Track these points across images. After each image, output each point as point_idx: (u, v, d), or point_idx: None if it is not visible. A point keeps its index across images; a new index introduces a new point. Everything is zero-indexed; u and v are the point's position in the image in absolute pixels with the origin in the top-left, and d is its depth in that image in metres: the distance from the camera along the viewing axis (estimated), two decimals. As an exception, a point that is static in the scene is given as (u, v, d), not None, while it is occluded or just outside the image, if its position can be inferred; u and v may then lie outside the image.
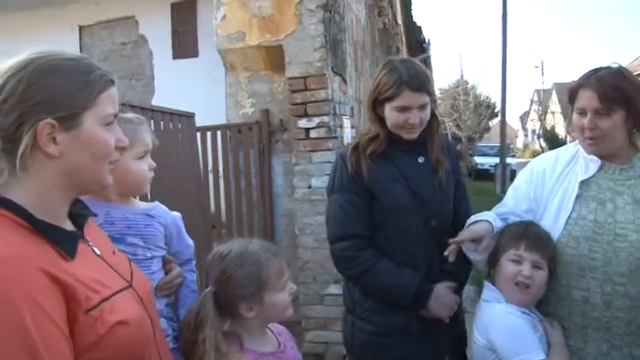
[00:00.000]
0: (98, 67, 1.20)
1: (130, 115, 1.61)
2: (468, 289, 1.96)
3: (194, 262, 1.78)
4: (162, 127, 2.89)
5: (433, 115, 2.10)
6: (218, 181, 4.67)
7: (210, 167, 4.64)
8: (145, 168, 1.58)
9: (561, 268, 1.83)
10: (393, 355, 2.06)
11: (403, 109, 1.98)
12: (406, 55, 12.59)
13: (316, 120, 4.20)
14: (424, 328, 2.04)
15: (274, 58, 4.35)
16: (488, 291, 1.90)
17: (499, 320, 1.81)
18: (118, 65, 6.83)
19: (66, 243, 1.13)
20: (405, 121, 2.00)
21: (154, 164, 1.62)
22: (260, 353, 1.59)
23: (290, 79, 4.23)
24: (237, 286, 1.55)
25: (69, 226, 1.23)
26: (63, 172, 1.14)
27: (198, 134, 4.49)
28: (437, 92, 31.29)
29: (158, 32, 6.55)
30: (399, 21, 10.44)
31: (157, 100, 6.47)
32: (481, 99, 36.13)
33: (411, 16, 11.33)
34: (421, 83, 1.97)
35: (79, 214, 1.28)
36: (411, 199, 2.03)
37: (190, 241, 1.76)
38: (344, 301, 2.24)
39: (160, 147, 2.79)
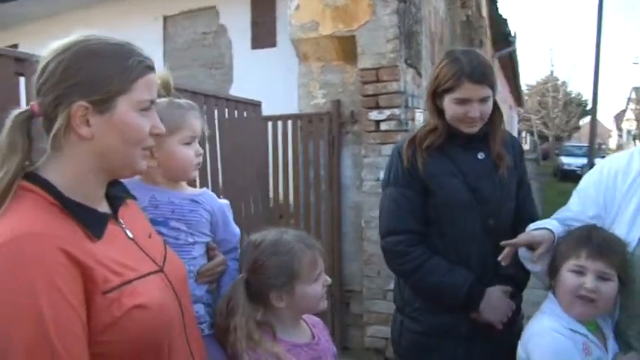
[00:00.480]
0: (139, 53, 1.21)
1: (181, 100, 1.62)
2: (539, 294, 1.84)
3: (239, 251, 1.77)
4: (227, 115, 2.91)
5: (496, 108, 2.00)
6: (287, 171, 4.69)
7: (280, 157, 4.67)
8: (190, 153, 1.58)
9: (636, 285, 1.63)
10: (440, 357, 1.99)
11: (463, 102, 1.90)
12: (491, 50, 12.19)
13: (387, 112, 4.13)
14: (474, 330, 1.95)
15: (347, 48, 4.31)
16: (548, 302, 1.73)
17: (541, 337, 1.65)
18: (199, 54, 7.00)
19: (93, 224, 1.14)
20: (464, 115, 1.91)
21: (201, 150, 1.62)
22: (293, 344, 1.58)
23: (362, 70, 4.18)
24: (268, 275, 1.55)
25: (104, 207, 1.25)
26: (95, 155, 1.16)
27: (270, 124, 4.54)
28: (524, 88, 30.18)
29: (238, 22, 6.64)
30: (484, 13, 10.10)
31: (235, 90, 6.58)
32: (571, 96, 34.55)
33: (497, 9, 10.92)
34: (483, 75, 1.88)
35: (116, 196, 1.31)
36: (469, 195, 1.95)
37: (237, 230, 1.75)
38: (394, 298, 2.18)
39: (224, 135, 2.85)
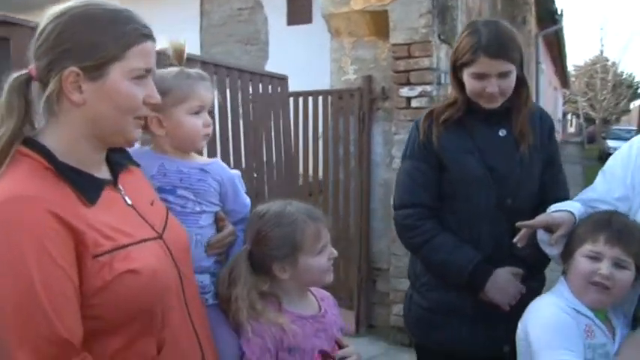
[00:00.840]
0: (137, 20, 1.19)
1: (192, 70, 1.60)
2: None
3: None
4: (250, 90, 2.90)
5: (522, 84, 1.93)
6: (317, 147, 4.67)
7: (310, 133, 4.65)
8: (198, 123, 1.57)
9: None
10: (444, 334, 1.95)
11: (480, 77, 1.84)
12: (535, 28, 11.85)
13: (418, 89, 4.06)
14: (481, 311, 1.90)
15: (379, 23, 4.23)
16: (558, 285, 1.66)
17: (541, 311, 1.60)
18: (235, 30, 7.02)
19: (87, 189, 1.15)
20: (482, 90, 1.85)
21: (210, 121, 1.60)
22: (298, 315, 1.56)
23: (394, 45, 4.11)
24: (271, 247, 1.54)
25: (103, 173, 1.25)
26: (87, 121, 1.17)
27: (300, 99, 4.52)
28: (570, 69, 29.31)
29: (274, -2, 6.63)
30: (529, -11, 9.80)
31: (271, 66, 6.58)
32: (622, 78, 33.37)
33: (543, -16, 10.60)
34: (500, 49, 1.80)
35: (118, 162, 1.31)
36: (485, 173, 1.89)
37: (247, 201, 1.73)
38: (407, 273, 2.16)
39: (248, 109, 2.85)
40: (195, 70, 1.61)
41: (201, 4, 7.19)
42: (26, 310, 1.00)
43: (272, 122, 3.16)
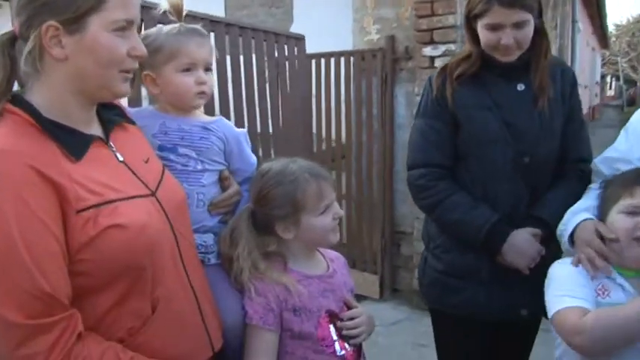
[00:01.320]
0: None
1: (187, 26, 1.54)
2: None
3: None
4: (265, 49, 2.82)
5: (540, 34, 1.82)
6: (340, 110, 4.59)
7: (333, 96, 4.57)
8: (188, 81, 1.51)
9: None
10: (458, 298, 1.89)
11: (494, 28, 1.74)
12: (572, -16, 11.39)
13: (442, 48, 3.92)
14: (497, 274, 1.83)
15: (401, -21, 4.09)
16: None
17: (561, 263, 1.53)
18: (259, -7, 6.90)
19: (73, 144, 1.13)
20: (497, 42, 1.75)
21: (204, 79, 1.53)
22: (305, 275, 1.53)
23: (416, 2, 3.96)
24: (273, 206, 1.51)
25: (93, 129, 1.23)
26: (71, 76, 1.14)
27: (323, 61, 4.42)
28: (611, 28, 28.26)
29: (296, -42, 6.46)
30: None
31: (295, 28, 6.46)
32: (666, 36, 32.06)
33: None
34: None
35: (110, 119, 1.29)
36: (502, 129, 1.80)
37: (253, 159, 1.69)
38: (422, 234, 2.10)
39: (262, 70, 2.78)
40: (189, 26, 1.54)
41: (225, -32, 7.07)
42: (6, 264, 0.99)
43: (288, 84, 3.09)
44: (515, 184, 1.82)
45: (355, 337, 1.55)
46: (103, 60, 1.14)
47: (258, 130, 2.82)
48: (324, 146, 4.64)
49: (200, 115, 1.63)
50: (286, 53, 3.09)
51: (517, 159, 1.81)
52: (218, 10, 6.93)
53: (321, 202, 1.52)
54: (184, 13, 1.56)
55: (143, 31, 1.64)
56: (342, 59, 4.45)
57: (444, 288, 1.93)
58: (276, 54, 2.95)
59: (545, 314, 1.50)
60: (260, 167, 1.60)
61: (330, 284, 1.58)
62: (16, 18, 1.13)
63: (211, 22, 2.43)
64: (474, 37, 1.84)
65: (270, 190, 1.52)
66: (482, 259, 1.84)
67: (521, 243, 1.78)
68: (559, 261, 1.59)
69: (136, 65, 1.23)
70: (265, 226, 1.55)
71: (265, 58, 2.83)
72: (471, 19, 1.83)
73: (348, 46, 4.64)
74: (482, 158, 1.84)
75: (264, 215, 1.54)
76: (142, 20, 1.98)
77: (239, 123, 2.63)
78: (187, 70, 1.51)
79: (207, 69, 1.56)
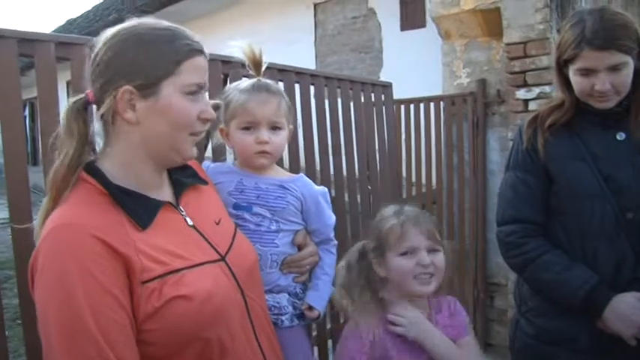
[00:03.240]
0: (187, 36, 1.18)
1: (258, 82, 1.53)
2: None
3: (334, 243, 1.67)
4: (351, 97, 2.81)
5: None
6: (430, 155, 4.49)
7: (423, 141, 4.48)
8: (247, 140, 1.50)
9: None
10: None
11: (587, 73, 1.62)
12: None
13: (536, 90, 3.75)
14: (598, 343, 1.65)
15: (492, 22, 3.98)
16: None
17: None
18: (349, 39, 7.01)
19: (141, 212, 1.14)
20: (591, 88, 1.63)
21: (264, 138, 1.49)
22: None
23: (508, 45, 3.83)
24: (370, 238, 1.65)
25: (163, 193, 1.24)
26: (143, 140, 1.16)
27: (412, 106, 4.36)
28: None
29: (387, 4, 6.53)
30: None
31: (385, 73, 6.50)
32: None
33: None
34: (608, 38, 1.56)
35: (181, 182, 1.30)
36: (599, 183, 1.65)
37: (331, 220, 1.64)
38: (513, 295, 1.95)
39: (349, 118, 2.76)
40: (259, 83, 1.53)
41: (315, 15, 7.26)
42: (73, 335, 0.99)
43: (376, 130, 3.05)
44: (617, 243, 1.65)
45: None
46: (175, 123, 1.16)
47: (345, 174, 2.79)
48: (414, 191, 4.54)
49: (280, 173, 1.61)
50: (373, 100, 3.06)
51: (619, 215, 1.64)
52: (309, 57, 7.10)
53: (402, 242, 1.54)
54: (264, 67, 1.56)
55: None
56: (432, 104, 4.36)
57: (535, 355, 1.78)
58: (362, 100, 2.93)
59: None
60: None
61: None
62: (91, 84, 1.17)
63: (297, 74, 2.44)
64: (567, 84, 1.73)
65: (371, 223, 1.68)
66: (580, 325, 1.68)
67: (627, 309, 1.59)
68: None
69: (205, 128, 1.24)
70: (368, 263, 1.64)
71: (352, 105, 2.81)
72: (561, 65, 1.72)
73: (437, 89, 4.56)
74: (579, 214, 1.69)
75: (364, 247, 1.66)
76: (225, 75, 2.04)
77: (324, 171, 2.61)
78: (247, 128, 1.50)
79: (275, 127, 1.52)
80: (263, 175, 1.56)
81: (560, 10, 3.79)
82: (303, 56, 6.72)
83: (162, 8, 8.23)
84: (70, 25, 13.41)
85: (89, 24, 11.41)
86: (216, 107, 1.54)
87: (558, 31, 3.67)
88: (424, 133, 4.37)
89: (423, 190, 4.54)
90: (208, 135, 1.59)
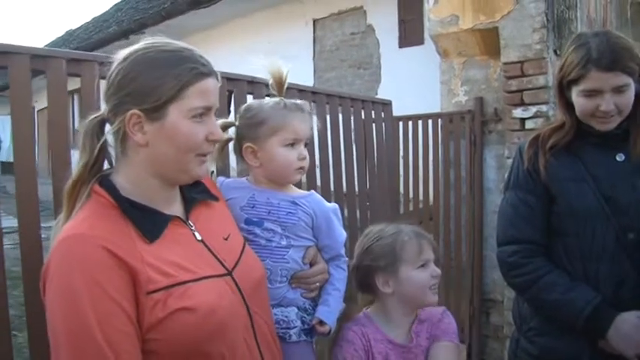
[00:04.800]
0: (195, 59, 1.20)
1: (290, 101, 1.56)
2: None
3: (345, 259, 1.68)
4: (352, 115, 2.85)
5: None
6: (428, 172, 4.52)
7: (420, 158, 4.52)
8: (291, 156, 1.52)
9: None
10: None
11: (592, 94, 1.65)
12: (676, 37, 10.82)
13: (533, 109, 3.82)
14: None
15: (489, 41, 4.05)
16: None
17: None
18: (348, 55, 7.06)
19: (149, 226, 1.17)
20: (595, 109, 1.65)
21: (305, 154, 1.54)
22: (388, 339, 1.61)
23: (505, 64, 3.90)
24: (374, 257, 1.64)
25: (173, 209, 1.27)
26: (151, 161, 1.20)
27: (410, 123, 4.40)
28: None
29: (385, 21, 6.59)
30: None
31: (383, 89, 6.54)
32: None
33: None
34: (614, 59, 1.60)
35: (191, 197, 1.33)
36: (599, 204, 1.67)
37: (342, 237, 1.64)
38: (512, 314, 1.96)
39: (349, 136, 2.80)
40: (293, 101, 1.56)
41: (314, 31, 7.31)
42: (80, 344, 1.02)
43: (375, 146, 3.09)
44: (618, 263, 1.67)
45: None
46: (181, 146, 1.19)
47: (344, 190, 2.83)
48: (411, 207, 4.57)
49: (292, 190, 1.62)
50: (373, 116, 3.11)
51: (620, 236, 1.66)
52: (307, 73, 7.15)
53: (420, 255, 1.61)
54: (285, 86, 1.59)
55: (246, 104, 1.72)
56: (430, 121, 4.41)
57: None
58: (362, 117, 2.98)
59: None
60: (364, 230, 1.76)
61: (412, 355, 1.61)
62: (105, 104, 1.21)
63: (299, 92, 2.48)
64: (567, 105, 1.76)
65: (372, 244, 1.67)
66: (582, 344, 1.69)
67: (630, 328, 1.60)
68: None
69: (212, 149, 1.27)
70: (366, 281, 1.68)
71: (352, 121, 2.86)
72: (563, 86, 1.75)
73: (434, 106, 4.60)
74: (580, 235, 1.71)
75: (365, 268, 1.66)
76: (230, 92, 2.07)
77: (325, 187, 2.65)
78: (291, 145, 1.52)
79: (306, 144, 1.57)
80: (275, 190, 1.57)
81: (557, 31, 3.85)
82: (301, 71, 6.77)
83: (162, 21, 8.26)
84: (70, 37, 13.49)
85: (89, 35, 11.47)
86: (227, 126, 1.58)
87: (555, 51, 3.75)
88: (422, 149, 4.40)
89: (420, 206, 4.57)
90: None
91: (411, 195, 4.49)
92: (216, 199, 1.43)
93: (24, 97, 1.47)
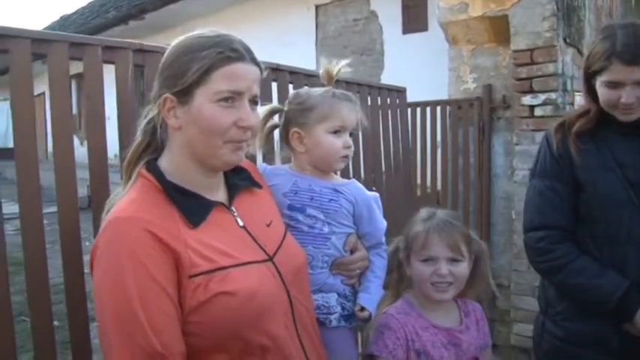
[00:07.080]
0: (225, 44, 1.20)
1: (340, 91, 1.59)
2: None
3: (385, 247, 1.72)
4: (369, 102, 2.88)
5: None
6: (436, 158, 4.56)
7: (428, 144, 4.55)
8: (337, 143, 1.55)
9: None
10: None
11: (614, 85, 1.68)
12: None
13: (542, 97, 3.84)
14: (629, 344, 1.71)
15: (499, 29, 4.06)
16: None
17: None
18: (350, 41, 7.08)
19: (193, 210, 1.20)
20: (616, 100, 1.69)
21: (350, 143, 1.57)
22: (432, 323, 1.64)
23: (515, 51, 3.92)
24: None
25: (218, 194, 1.30)
26: (186, 145, 1.23)
27: (418, 110, 4.44)
28: None
29: (388, 8, 6.60)
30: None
31: (386, 75, 6.56)
32: None
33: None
34: (637, 55, 1.63)
35: (235, 184, 1.36)
36: (627, 192, 1.72)
37: (383, 225, 1.68)
38: (538, 297, 2.01)
39: (368, 122, 2.83)
40: (341, 91, 1.60)
41: (317, 17, 7.31)
42: (124, 320, 1.06)
43: (391, 134, 3.13)
44: None
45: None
46: (205, 130, 1.20)
47: (362, 175, 2.87)
48: (419, 192, 4.61)
49: (333, 177, 1.65)
50: (388, 103, 3.15)
51: None
52: (309, 59, 7.15)
53: (423, 250, 1.65)
54: (335, 79, 1.63)
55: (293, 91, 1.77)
56: (439, 108, 4.44)
57: (564, 357, 1.84)
58: (379, 104, 3.02)
59: None
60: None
61: (458, 339, 1.62)
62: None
63: (306, 77, 2.50)
64: (593, 94, 1.79)
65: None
66: (610, 327, 1.74)
67: None
68: None
69: (246, 136, 1.25)
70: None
71: (369, 107, 2.90)
72: (589, 75, 1.79)
73: (439, 92, 4.62)
74: (608, 222, 1.75)
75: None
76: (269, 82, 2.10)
77: (344, 172, 2.70)
78: (337, 132, 1.55)
79: (351, 134, 1.60)
80: (317, 177, 1.60)
81: (567, 19, 3.88)
82: (303, 58, 6.77)
83: (163, 6, 8.23)
84: (65, 22, 13.34)
85: (86, 20, 11.35)
86: (275, 111, 1.61)
87: (564, 39, 3.77)
88: (430, 136, 4.44)
89: (428, 191, 4.61)
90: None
91: (418, 181, 4.53)
92: (259, 186, 1.46)
93: (25, 81, 1.44)
